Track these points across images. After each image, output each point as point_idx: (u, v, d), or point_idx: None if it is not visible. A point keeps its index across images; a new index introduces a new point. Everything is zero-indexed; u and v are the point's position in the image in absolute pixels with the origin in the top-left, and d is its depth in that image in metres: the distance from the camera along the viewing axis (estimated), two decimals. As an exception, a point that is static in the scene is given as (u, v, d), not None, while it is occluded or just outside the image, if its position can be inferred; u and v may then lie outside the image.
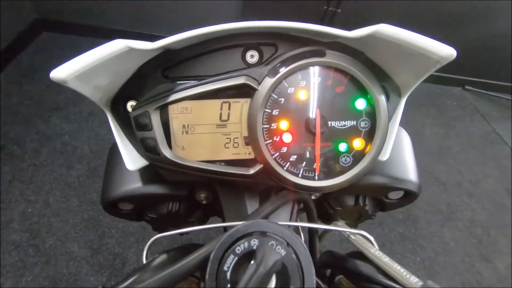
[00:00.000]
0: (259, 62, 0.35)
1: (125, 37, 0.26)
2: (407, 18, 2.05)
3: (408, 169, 0.45)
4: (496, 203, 1.74)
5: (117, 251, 1.27)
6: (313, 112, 0.36)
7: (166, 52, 0.33)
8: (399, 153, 0.47)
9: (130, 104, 0.35)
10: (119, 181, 0.42)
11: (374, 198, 0.48)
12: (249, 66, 0.35)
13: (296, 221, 0.41)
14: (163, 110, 0.35)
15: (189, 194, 0.43)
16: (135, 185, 0.41)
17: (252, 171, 0.36)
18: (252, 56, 0.35)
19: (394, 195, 0.46)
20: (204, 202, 0.43)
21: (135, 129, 0.34)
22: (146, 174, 0.42)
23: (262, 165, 0.36)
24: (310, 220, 0.42)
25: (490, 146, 2.10)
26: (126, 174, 0.42)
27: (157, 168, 0.37)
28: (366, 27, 0.28)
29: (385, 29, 0.26)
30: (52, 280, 1.17)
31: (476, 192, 1.78)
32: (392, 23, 0.27)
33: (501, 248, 1.54)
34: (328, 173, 0.37)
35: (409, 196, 0.46)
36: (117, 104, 0.35)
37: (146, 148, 0.35)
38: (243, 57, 0.35)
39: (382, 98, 0.35)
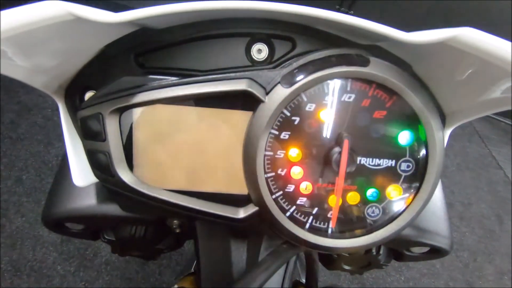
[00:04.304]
0: (268, 60, 0.27)
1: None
2: (426, 21, 1.96)
3: (439, 220, 0.36)
4: (485, 229, 1.72)
5: (90, 240, 1.18)
6: (338, 142, 0.26)
7: (144, 30, 0.24)
8: None
9: (89, 95, 0.26)
10: (66, 195, 0.33)
11: (391, 248, 0.40)
12: (254, 64, 0.27)
13: (293, 272, 0.33)
14: (125, 113, 0.26)
15: (158, 218, 0.35)
16: (86, 202, 0.32)
17: (242, 214, 0.27)
18: (259, 51, 0.27)
19: (418, 249, 0.38)
20: (178, 230, 0.35)
21: (81, 136, 0.26)
22: (103, 189, 0.33)
23: (257, 208, 0.27)
24: (309, 271, 0.34)
25: (485, 169, 2.08)
26: (76, 186, 0.33)
27: (110, 193, 0.28)
28: (438, 29, 0.20)
29: (471, 35, 0.18)
30: (15, 264, 1.09)
31: (467, 215, 1.76)
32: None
33: (486, 275, 1.51)
34: (346, 228, 0.28)
35: (436, 252, 0.38)
36: (73, 93, 0.26)
37: (96, 164, 0.26)
38: (248, 50, 0.27)
39: (440, 136, 0.26)
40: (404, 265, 1.43)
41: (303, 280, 0.51)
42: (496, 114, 2.42)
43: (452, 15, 1.91)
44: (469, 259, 1.55)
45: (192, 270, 0.66)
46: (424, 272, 1.44)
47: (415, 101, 0.25)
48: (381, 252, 0.38)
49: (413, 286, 1.39)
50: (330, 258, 0.41)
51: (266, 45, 0.26)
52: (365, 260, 0.41)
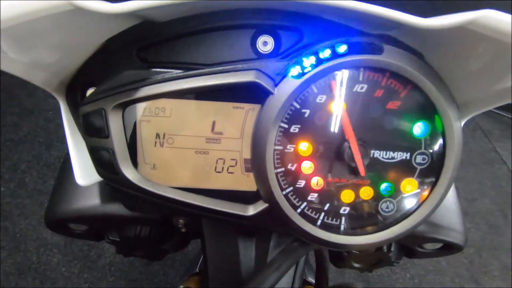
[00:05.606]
0: (275, 53, 0.26)
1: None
2: (426, 10, 1.94)
3: (453, 215, 0.36)
4: (490, 224, 1.71)
5: (93, 241, 1.18)
6: (350, 134, 0.25)
7: (146, 24, 0.24)
8: None
9: (90, 92, 0.26)
10: (69, 195, 0.32)
11: (402, 244, 0.39)
12: (260, 56, 0.26)
13: (303, 270, 0.32)
14: (129, 109, 0.25)
15: (163, 217, 0.34)
16: (90, 202, 0.32)
17: (252, 211, 0.27)
18: (265, 43, 0.26)
19: (431, 245, 0.38)
20: (183, 230, 0.34)
21: (84, 132, 0.25)
22: (107, 188, 0.32)
23: (267, 205, 0.26)
24: (319, 270, 0.33)
25: (489, 164, 2.07)
26: (79, 186, 0.32)
27: (114, 192, 0.27)
28: (457, 13, 0.19)
29: (493, 16, 0.17)
30: (19, 267, 1.09)
31: (471, 211, 1.75)
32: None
33: (491, 270, 1.50)
34: (359, 224, 0.28)
35: (450, 248, 0.37)
36: (74, 90, 0.26)
37: (99, 162, 0.26)
38: (253, 43, 0.26)
39: (458, 126, 0.25)
40: (409, 262, 1.42)
41: (309, 279, 0.51)
42: (499, 109, 2.41)
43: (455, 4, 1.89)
44: (474, 255, 1.54)
45: (197, 270, 0.66)
46: (430, 269, 1.43)
47: (432, 89, 0.24)
48: (392, 249, 0.38)
49: (419, 283, 1.38)
50: (339, 256, 0.41)
51: (272, 36, 0.26)
52: (375, 258, 0.40)
